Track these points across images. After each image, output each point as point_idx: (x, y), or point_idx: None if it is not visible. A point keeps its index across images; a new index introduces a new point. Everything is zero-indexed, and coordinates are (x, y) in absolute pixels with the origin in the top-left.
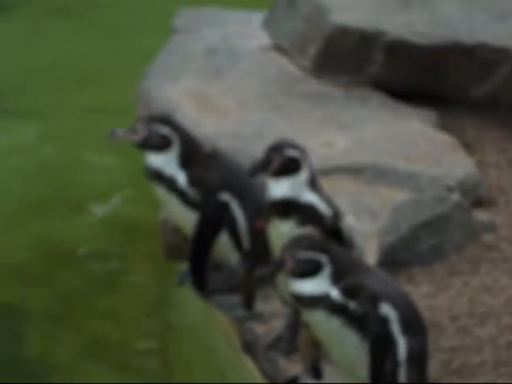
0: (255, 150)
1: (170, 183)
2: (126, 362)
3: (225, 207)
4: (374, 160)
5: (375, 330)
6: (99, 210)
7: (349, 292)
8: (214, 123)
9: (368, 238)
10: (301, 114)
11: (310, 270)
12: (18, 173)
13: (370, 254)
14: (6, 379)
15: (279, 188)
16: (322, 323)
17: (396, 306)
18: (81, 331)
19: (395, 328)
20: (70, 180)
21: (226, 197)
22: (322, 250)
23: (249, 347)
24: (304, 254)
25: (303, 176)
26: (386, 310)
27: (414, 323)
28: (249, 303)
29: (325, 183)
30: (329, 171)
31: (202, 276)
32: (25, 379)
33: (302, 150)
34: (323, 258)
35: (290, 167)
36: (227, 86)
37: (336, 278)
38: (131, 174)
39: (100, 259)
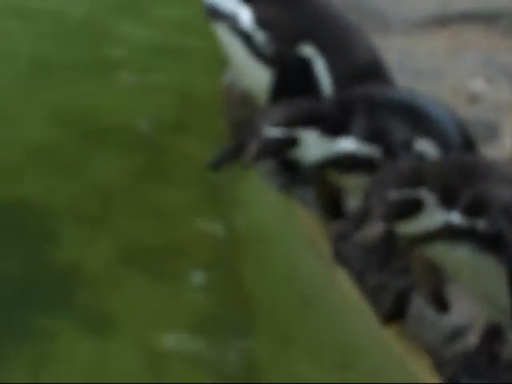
0: None
1: (231, 22)
2: (176, 274)
3: (304, 65)
4: None
5: None
6: (139, 75)
7: (472, 210)
8: None
9: (505, 109)
10: None
11: (409, 210)
12: (43, 33)
13: (508, 131)
14: (34, 290)
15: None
16: (447, 254)
17: None
18: (121, 233)
19: None
20: (101, 39)
21: (307, 50)
22: (416, 181)
23: (343, 258)
24: (396, 195)
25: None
26: None
27: None
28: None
29: (447, 36)
30: (451, 19)
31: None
32: (55, 290)
33: None
34: (420, 192)
35: None
36: None
37: (449, 201)
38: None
39: (143, 141)
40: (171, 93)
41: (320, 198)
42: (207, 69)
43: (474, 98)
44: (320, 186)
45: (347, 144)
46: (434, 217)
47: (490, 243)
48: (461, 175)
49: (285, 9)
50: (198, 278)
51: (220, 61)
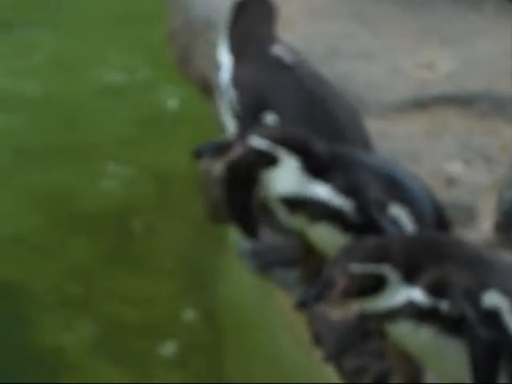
0: (326, 73)
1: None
2: (153, 365)
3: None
4: (490, 86)
5: (480, 331)
6: (120, 158)
7: (435, 290)
8: None
9: (482, 192)
10: (391, 24)
11: (370, 287)
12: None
13: (485, 215)
14: (13, 376)
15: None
16: (410, 335)
17: (507, 290)
18: (100, 317)
19: (510, 320)
20: (82, 121)
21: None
22: (380, 257)
23: (320, 340)
24: (358, 269)
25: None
26: (493, 300)
27: None
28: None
29: (424, 119)
30: (429, 102)
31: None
32: (35, 375)
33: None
34: (383, 269)
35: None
36: None
37: (413, 279)
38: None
39: (123, 222)
40: (147, 175)
41: (305, 280)
42: (184, 147)
43: (451, 181)
44: (305, 267)
45: (323, 190)
46: (398, 294)
47: (453, 326)
48: (427, 253)
49: (259, 71)
50: (176, 360)
51: (198, 139)
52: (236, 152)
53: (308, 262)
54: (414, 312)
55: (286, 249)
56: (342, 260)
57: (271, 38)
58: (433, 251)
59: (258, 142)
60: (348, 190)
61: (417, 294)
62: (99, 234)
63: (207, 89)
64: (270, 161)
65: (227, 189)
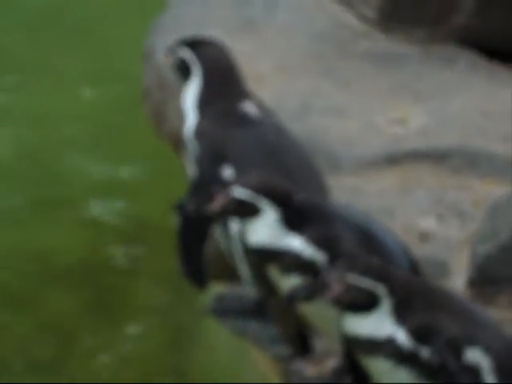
0: (299, 129)
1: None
2: None
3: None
4: (463, 142)
5: (461, 381)
6: (97, 210)
7: (419, 335)
8: None
9: (456, 247)
10: (362, 80)
11: (362, 302)
12: None
13: (459, 270)
14: None
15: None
16: (387, 374)
17: (489, 349)
18: (76, 378)
19: (489, 380)
20: (56, 171)
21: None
22: (380, 277)
23: None
24: (356, 280)
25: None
26: (475, 356)
27: None
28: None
29: (397, 174)
30: (401, 158)
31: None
32: None
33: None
34: (380, 289)
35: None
36: (263, 44)
37: (401, 316)
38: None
39: (101, 277)
40: (121, 230)
41: (285, 335)
42: (160, 201)
43: (424, 237)
44: (285, 322)
45: (296, 242)
46: (383, 324)
47: (433, 373)
48: (421, 297)
49: (221, 125)
50: None
51: (173, 193)
52: (219, 202)
53: (284, 319)
54: (394, 351)
55: (247, 299)
56: (342, 268)
57: (240, 94)
58: (427, 297)
59: (240, 192)
60: (321, 242)
61: (400, 335)
62: (74, 288)
63: (180, 147)
64: (251, 211)
65: (181, 240)
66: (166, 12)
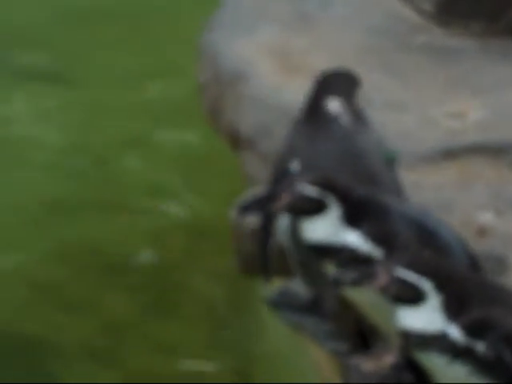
0: None
1: None
2: None
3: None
4: None
5: None
6: (150, 211)
7: (474, 330)
8: (301, 88)
9: None
10: (420, 74)
11: (407, 295)
12: (41, 164)
13: None
14: None
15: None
16: (443, 370)
17: None
18: (130, 372)
19: None
20: (110, 173)
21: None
22: (426, 272)
23: None
24: (403, 274)
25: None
26: None
27: None
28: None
29: (455, 169)
30: (459, 152)
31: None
32: None
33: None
34: (426, 285)
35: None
36: (318, 39)
37: (453, 311)
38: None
39: (155, 275)
40: (178, 227)
41: (343, 330)
42: (215, 200)
43: (483, 232)
44: (344, 317)
45: (353, 238)
46: (433, 319)
47: (489, 367)
48: (474, 291)
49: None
50: None
51: (229, 193)
52: (285, 199)
53: (343, 316)
54: (448, 347)
55: (304, 294)
56: (392, 260)
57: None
58: (482, 292)
59: (307, 188)
60: (378, 237)
61: (454, 331)
62: (133, 288)
63: (236, 140)
64: (317, 207)
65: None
66: (221, 7)
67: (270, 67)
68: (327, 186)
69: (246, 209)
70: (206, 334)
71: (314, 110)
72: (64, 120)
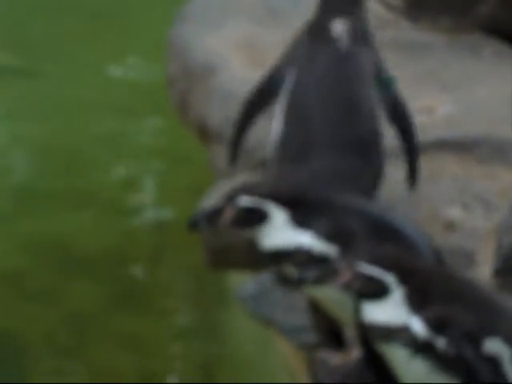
0: None
1: None
2: None
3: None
4: (489, 131)
5: (479, 372)
6: (119, 205)
7: (436, 325)
8: None
9: (481, 237)
10: (389, 69)
11: (371, 290)
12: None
13: (484, 260)
14: None
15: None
16: (403, 363)
17: (510, 340)
18: (95, 365)
19: (510, 371)
20: (79, 166)
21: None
22: (389, 266)
23: None
24: (365, 269)
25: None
26: (495, 347)
27: None
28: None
29: (423, 163)
30: (427, 147)
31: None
32: None
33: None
34: (389, 279)
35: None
36: (287, 33)
37: (416, 304)
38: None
39: (122, 268)
40: (146, 220)
41: (316, 324)
42: (184, 195)
43: (450, 226)
44: (317, 314)
45: (305, 238)
46: (396, 312)
47: (449, 364)
48: (439, 286)
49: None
50: None
51: (198, 186)
52: (227, 216)
53: (320, 316)
54: (409, 339)
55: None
56: (352, 257)
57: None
58: (446, 286)
59: (246, 200)
60: (332, 235)
61: (416, 323)
62: (98, 279)
63: (205, 134)
64: (260, 217)
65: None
66: (191, 0)
67: (239, 61)
68: (270, 195)
69: (196, 224)
70: (172, 328)
71: (316, 30)
72: (31, 113)
